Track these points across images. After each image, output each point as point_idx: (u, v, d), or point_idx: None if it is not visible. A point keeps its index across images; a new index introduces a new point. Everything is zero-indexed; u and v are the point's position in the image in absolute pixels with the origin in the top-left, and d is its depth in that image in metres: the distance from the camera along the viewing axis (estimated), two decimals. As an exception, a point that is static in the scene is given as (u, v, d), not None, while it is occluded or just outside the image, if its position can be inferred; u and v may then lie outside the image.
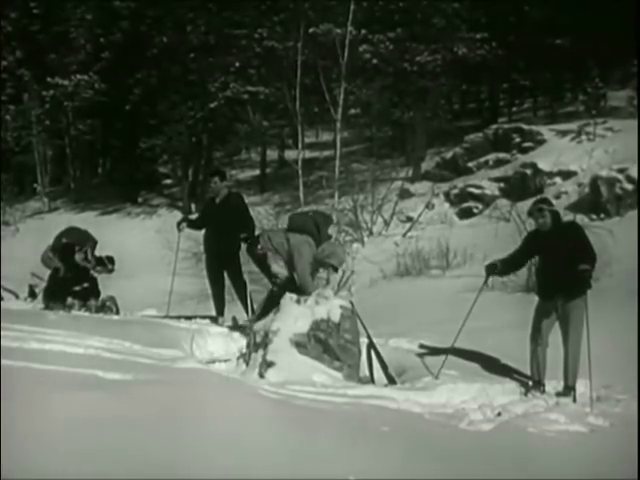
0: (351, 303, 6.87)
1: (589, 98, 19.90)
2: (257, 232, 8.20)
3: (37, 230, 20.43)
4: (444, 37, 22.02)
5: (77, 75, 25.69)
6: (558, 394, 6.49)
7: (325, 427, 4.61)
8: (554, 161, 17.31)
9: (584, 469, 4.46)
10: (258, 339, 6.55)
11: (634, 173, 15.15)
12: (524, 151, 18.89)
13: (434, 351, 7.53)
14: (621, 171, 15.46)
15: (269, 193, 24.43)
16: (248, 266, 8.02)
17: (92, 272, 9.17)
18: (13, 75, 27.64)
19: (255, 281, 8.45)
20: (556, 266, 6.53)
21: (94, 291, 9.09)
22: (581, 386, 6.40)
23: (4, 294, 11.14)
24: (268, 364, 6.15)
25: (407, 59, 21.84)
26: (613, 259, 10.69)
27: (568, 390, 6.48)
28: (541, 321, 6.67)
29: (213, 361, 6.61)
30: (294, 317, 6.45)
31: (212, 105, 23.72)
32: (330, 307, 6.53)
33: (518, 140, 19.29)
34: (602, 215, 15.20)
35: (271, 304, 7.24)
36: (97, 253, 9.31)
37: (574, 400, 6.34)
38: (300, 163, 21.41)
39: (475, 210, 18.14)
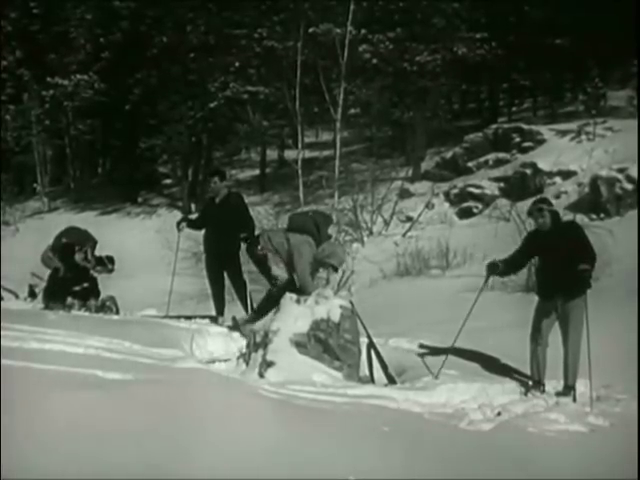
0: (351, 303, 6.87)
1: (589, 98, 19.89)
2: (257, 232, 8.20)
3: (37, 230, 20.43)
4: (444, 37, 22.01)
5: (77, 75, 25.68)
6: (558, 394, 6.49)
7: (325, 427, 4.61)
8: (554, 161, 17.31)
9: (584, 469, 4.46)
10: (258, 339, 6.55)
11: (634, 173, 15.15)
12: (524, 151, 18.89)
13: (434, 351, 7.53)
14: (621, 171, 15.47)
15: (269, 193, 24.42)
16: (248, 266, 8.02)
17: (92, 272, 9.17)
18: (13, 75, 27.63)
19: (255, 281, 8.44)
20: (556, 266, 6.53)
21: (94, 291, 9.09)
22: (581, 386, 6.40)
23: (4, 294, 11.15)
24: (268, 364, 6.15)
25: (407, 59, 21.84)
26: (613, 259, 10.69)
27: (568, 390, 6.48)
28: (541, 321, 6.67)
29: (213, 361, 6.61)
30: (294, 317, 6.45)
31: (212, 105, 23.72)
32: (330, 307, 6.53)
33: (518, 140, 19.29)
34: (602, 215, 15.20)
35: (269, 305, 7.24)
36: (97, 253, 9.31)
37: (574, 400, 6.34)
38: (300, 163, 21.40)
39: (475, 210, 18.14)
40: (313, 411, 5.02)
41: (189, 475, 3.51)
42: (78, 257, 9.02)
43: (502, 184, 18.11)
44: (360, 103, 23.25)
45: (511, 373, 6.99)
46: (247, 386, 5.52)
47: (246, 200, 8.57)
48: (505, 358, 7.33)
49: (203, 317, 8.42)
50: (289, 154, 25.53)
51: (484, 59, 22.25)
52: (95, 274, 9.21)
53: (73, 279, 8.91)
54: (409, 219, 18.60)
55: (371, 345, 7.00)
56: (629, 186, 15.20)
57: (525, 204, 10.65)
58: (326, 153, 22.88)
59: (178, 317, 8.40)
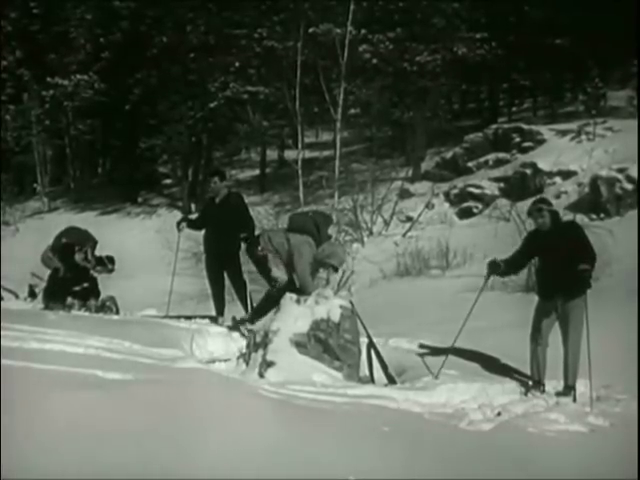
0: (351, 303, 6.87)
1: (589, 98, 19.90)
2: (257, 232, 8.20)
3: (37, 230, 20.43)
4: (444, 37, 22.01)
5: (77, 75, 25.67)
6: (558, 394, 6.49)
7: (325, 427, 4.61)
8: (554, 161, 17.31)
9: (584, 469, 4.46)
10: (258, 339, 6.55)
11: (634, 173, 15.15)
12: (524, 151, 18.89)
13: (434, 351, 7.53)
14: (621, 171, 15.46)
15: (269, 193, 24.42)
16: (248, 266, 8.02)
17: (92, 272, 9.17)
18: (13, 75, 27.62)
19: (255, 281, 8.44)
20: (556, 266, 6.54)
21: (94, 291, 9.09)
22: (581, 386, 6.40)
23: (4, 294, 11.15)
24: (268, 364, 6.15)
25: (407, 59, 21.83)
26: (613, 259, 10.69)
27: (568, 390, 6.48)
28: (541, 321, 6.67)
29: (213, 361, 6.61)
30: (294, 317, 6.45)
31: (212, 105, 23.71)
32: (330, 307, 6.53)
33: (518, 140, 19.29)
34: (602, 215, 15.20)
35: (267, 306, 7.24)
36: (97, 253, 9.31)
37: (574, 400, 6.34)
38: (300, 163, 21.40)
39: (475, 210, 18.14)
40: (313, 411, 5.02)
41: (189, 475, 3.51)
42: (78, 257, 9.02)
43: (502, 184, 18.11)
44: (360, 103, 23.24)
45: (511, 373, 6.99)
46: (247, 386, 5.52)
47: (246, 200, 8.57)
48: (505, 358, 7.33)
49: (203, 317, 8.42)
50: (289, 154, 25.51)
51: (484, 59, 22.25)
52: (95, 274, 9.21)
53: (73, 279, 8.91)
54: (409, 219, 18.60)
55: (371, 345, 7.00)
56: (629, 186, 15.20)
57: (525, 204, 10.63)
58: (326, 153, 22.88)
59: (178, 317, 8.40)
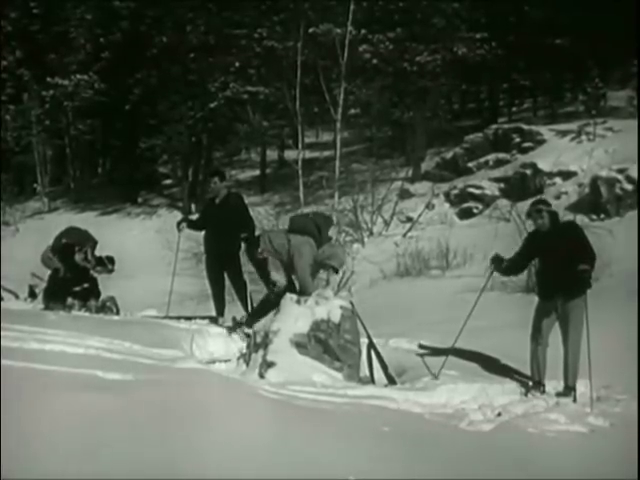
0: (351, 303, 6.87)
1: (589, 98, 19.88)
2: (257, 232, 8.20)
3: (37, 230, 20.43)
4: (444, 37, 22.00)
5: (77, 75, 25.66)
6: (558, 394, 6.49)
7: (325, 427, 4.61)
8: (554, 161, 17.31)
9: (584, 469, 4.46)
10: (258, 339, 6.55)
11: (634, 173, 15.14)
12: (524, 151, 18.87)
13: (434, 351, 7.53)
14: (621, 171, 15.46)
15: (269, 193, 24.41)
16: (248, 266, 8.02)
17: (92, 272, 9.17)
18: (13, 75, 27.62)
19: (255, 281, 8.44)
20: (556, 266, 6.54)
21: (94, 291, 9.10)
22: (581, 386, 6.41)
23: (4, 294, 11.15)
24: (268, 364, 6.15)
25: (407, 59, 21.82)
26: (613, 259, 10.69)
27: (568, 390, 6.48)
28: (541, 321, 6.67)
29: (213, 361, 6.62)
30: (294, 317, 6.46)
31: (212, 105, 23.70)
32: (330, 307, 6.54)
33: (518, 140, 19.27)
34: (602, 215, 15.19)
35: (265, 309, 7.22)
36: (97, 253, 9.31)
37: (574, 400, 6.35)
38: (300, 163, 21.39)
39: (475, 210, 18.14)
40: (313, 411, 5.02)
41: (190, 475, 3.51)
42: (78, 257, 9.03)
43: (502, 184, 18.10)
44: (360, 103, 23.23)
45: (511, 373, 7.00)
46: (247, 386, 5.53)
47: (246, 200, 8.58)
48: (505, 358, 7.33)
49: (203, 318, 8.43)
50: (289, 154, 25.51)
51: (484, 59, 22.23)
52: (95, 274, 9.22)
53: (73, 279, 8.91)
54: (409, 219, 18.59)
55: (371, 345, 7.00)
56: (629, 186, 15.19)
57: (525, 204, 10.62)
58: (326, 153, 22.87)
59: (178, 318, 8.40)
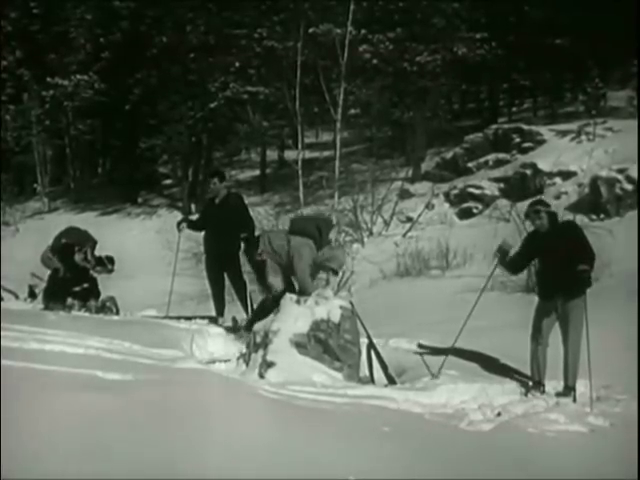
0: (351, 303, 6.87)
1: (589, 98, 19.87)
2: (257, 233, 8.20)
3: (37, 230, 20.42)
4: (444, 37, 21.98)
5: (77, 75, 25.64)
6: (558, 394, 6.49)
7: (325, 427, 4.61)
8: (554, 161, 17.30)
9: (584, 469, 4.46)
10: (258, 339, 6.55)
11: (634, 173, 15.14)
12: (524, 151, 18.86)
13: (434, 351, 7.53)
14: (621, 171, 15.45)
15: (269, 193, 24.40)
16: (248, 266, 8.02)
17: (92, 272, 9.17)
18: (13, 75, 27.61)
19: (255, 281, 8.45)
20: (555, 266, 6.54)
21: (94, 291, 9.10)
22: (581, 386, 6.41)
23: (4, 294, 11.15)
24: (268, 364, 6.15)
25: (407, 59, 21.81)
26: (613, 259, 10.69)
27: (568, 390, 6.48)
28: (541, 321, 6.67)
29: (213, 361, 6.62)
30: (294, 317, 6.46)
31: (212, 105, 23.69)
32: (330, 307, 6.54)
33: (518, 140, 19.26)
34: (602, 215, 15.19)
35: (263, 312, 7.22)
36: (97, 253, 9.32)
37: (574, 400, 6.35)
38: (300, 163, 21.39)
39: (475, 210, 18.13)
40: (313, 411, 5.02)
41: (190, 475, 3.51)
42: (78, 257, 9.03)
43: (502, 185, 18.09)
44: (360, 103, 23.22)
45: (511, 373, 7.00)
46: (247, 387, 5.53)
47: (246, 201, 8.59)
48: (505, 358, 7.33)
49: (203, 318, 8.43)
50: (289, 154, 25.50)
51: (484, 59, 22.22)
52: (95, 274, 9.22)
53: (73, 279, 8.91)
54: (409, 219, 18.58)
55: (371, 345, 7.00)
56: (629, 186, 15.18)
57: (525, 205, 10.63)
58: (326, 153, 22.86)
59: (178, 318, 8.41)
